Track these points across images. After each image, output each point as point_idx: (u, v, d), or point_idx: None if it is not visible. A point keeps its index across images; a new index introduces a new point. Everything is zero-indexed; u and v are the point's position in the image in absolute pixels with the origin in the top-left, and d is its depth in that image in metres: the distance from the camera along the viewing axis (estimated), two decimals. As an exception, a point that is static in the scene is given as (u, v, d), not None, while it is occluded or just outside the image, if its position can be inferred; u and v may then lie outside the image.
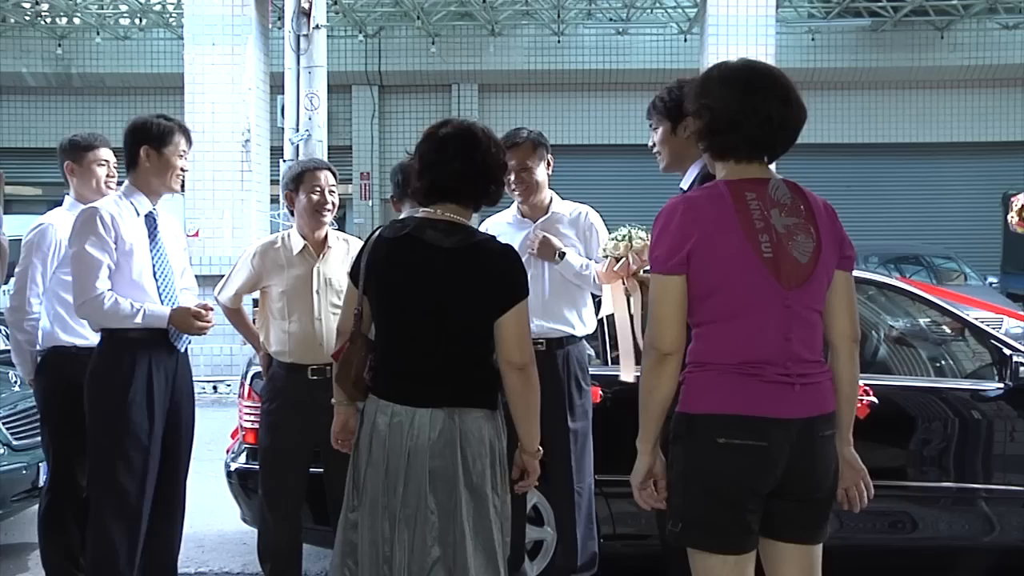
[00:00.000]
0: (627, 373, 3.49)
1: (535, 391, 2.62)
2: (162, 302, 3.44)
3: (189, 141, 3.57)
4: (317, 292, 3.63)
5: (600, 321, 3.95)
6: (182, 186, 3.64)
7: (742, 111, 2.29)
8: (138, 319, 3.34)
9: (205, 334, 3.50)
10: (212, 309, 3.51)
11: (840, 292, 2.37)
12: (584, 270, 3.69)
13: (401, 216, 3.05)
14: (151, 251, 3.47)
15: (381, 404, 2.64)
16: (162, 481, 3.45)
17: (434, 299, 2.59)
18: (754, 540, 2.33)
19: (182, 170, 3.54)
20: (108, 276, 3.35)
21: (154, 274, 3.46)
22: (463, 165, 2.63)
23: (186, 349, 3.56)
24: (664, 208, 2.35)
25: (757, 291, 2.26)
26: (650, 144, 3.08)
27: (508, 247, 2.68)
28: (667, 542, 2.78)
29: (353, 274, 2.78)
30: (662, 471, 2.38)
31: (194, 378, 3.69)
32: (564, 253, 3.68)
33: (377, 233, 2.74)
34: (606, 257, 3.47)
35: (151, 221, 3.52)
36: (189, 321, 3.41)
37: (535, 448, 2.67)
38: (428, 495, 2.53)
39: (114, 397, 3.33)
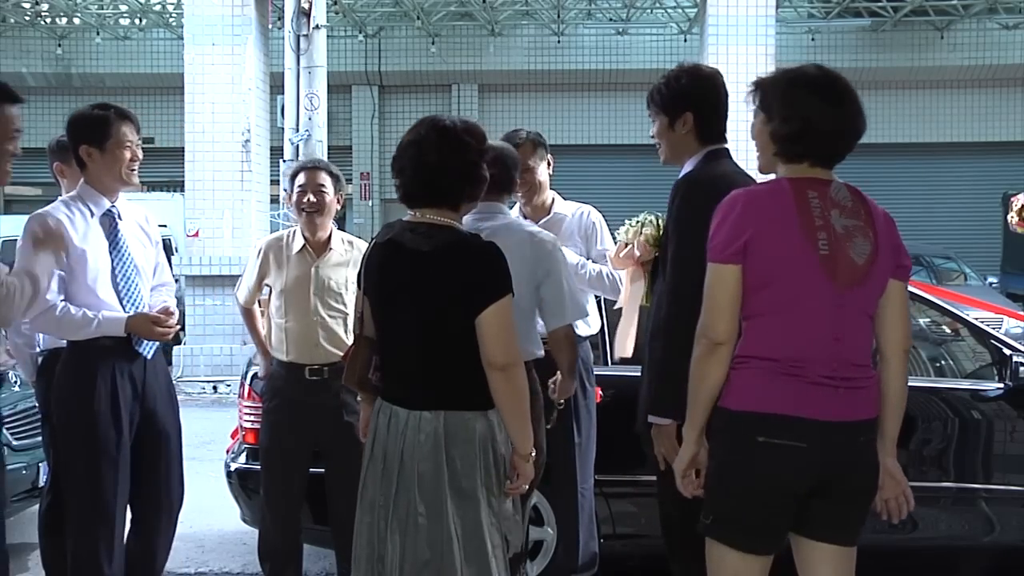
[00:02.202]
0: (621, 350, 3.38)
1: (521, 392, 2.55)
2: (124, 308, 3.24)
3: (136, 126, 3.29)
4: (315, 293, 3.62)
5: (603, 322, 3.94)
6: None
7: (834, 122, 2.30)
8: (93, 327, 3.16)
9: (169, 339, 3.33)
10: (174, 313, 3.32)
11: (894, 301, 2.36)
12: (580, 269, 3.65)
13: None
14: (111, 254, 3.26)
15: (384, 405, 2.65)
16: (147, 488, 3.35)
17: (416, 303, 2.57)
18: (781, 543, 2.32)
19: (132, 160, 3.26)
20: (59, 286, 3.15)
21: (114, 279, 3.25)
22: (419, 172, 2.59)
23: (155, 355, 3.36)
24: (725, 199, 2.34)
25: (809, 287, 2.26)
26: (651, 134, 3.02)
27: (489, 244, 2.58)
28: (671, 540, 2.78)
29: (358, 276, 2.79)
30: (707, 460, 2.38)
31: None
32: None
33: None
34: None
35: (110, 221, 3.29)
36: (149, 327, 3.22)
37: (527, 451, 2.60)
38: (417, 498, 2.53)
39: (79, 409, 3.19)
